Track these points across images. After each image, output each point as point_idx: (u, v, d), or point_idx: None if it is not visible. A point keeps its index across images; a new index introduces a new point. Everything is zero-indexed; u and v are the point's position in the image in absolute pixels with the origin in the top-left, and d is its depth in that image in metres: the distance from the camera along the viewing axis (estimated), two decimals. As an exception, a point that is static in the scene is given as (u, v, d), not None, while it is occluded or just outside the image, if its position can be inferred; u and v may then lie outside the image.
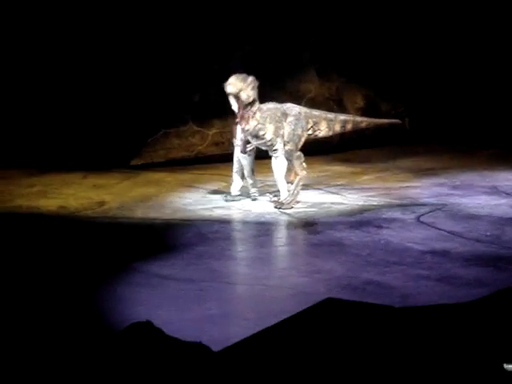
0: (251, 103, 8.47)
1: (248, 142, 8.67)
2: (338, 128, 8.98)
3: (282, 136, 8.57)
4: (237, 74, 8.47)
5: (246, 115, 8.47)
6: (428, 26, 12.94)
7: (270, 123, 8.52)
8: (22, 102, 11.67)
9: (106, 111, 11.51)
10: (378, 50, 12.75)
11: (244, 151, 8.74)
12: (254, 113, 8.47)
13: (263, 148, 8.75)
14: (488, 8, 12.90)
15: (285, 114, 8.62)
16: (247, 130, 8.53)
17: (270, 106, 8.65)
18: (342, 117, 9.16)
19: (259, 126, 8.49)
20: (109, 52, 11.55)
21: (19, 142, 11.49)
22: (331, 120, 8.93)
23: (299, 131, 8.62)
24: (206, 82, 11.38)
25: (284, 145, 8.58)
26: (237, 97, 8.43)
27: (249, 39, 11.76)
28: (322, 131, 8.89)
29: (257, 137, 8.56)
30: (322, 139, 9.15)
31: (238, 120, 8.59)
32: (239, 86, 8.37)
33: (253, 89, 8.43)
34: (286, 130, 8.58)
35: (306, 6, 12.20)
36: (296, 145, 8.60)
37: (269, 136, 8.53)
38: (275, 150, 8.62)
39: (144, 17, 11.54)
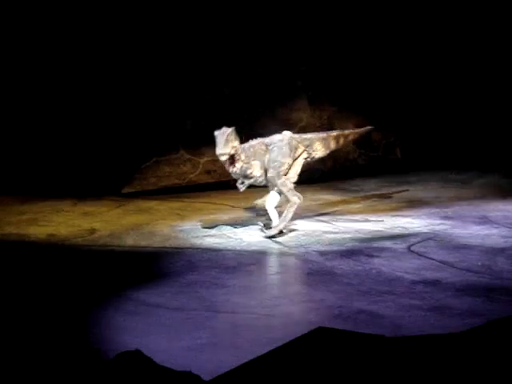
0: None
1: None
2: (333, 145, 9.00)
3: None
4: (220, 137, 8.19)
5: (232, 159, 8.38)
6: (417, 57, 13.03)
7: (255, 160, 8.50)
8: (13, 129, 11.67)
9: (97, 139, 11.51)
10: (369, 80, 12.82)
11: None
12: (239, 155, 8.41)
13: (258, 184, 8.74)
14: (475, 36, 13.02)
15: (268, 145, 8.59)
16: (235, 172, 8.52)
17: (253, 142, 8.59)
18: (334, 133, 9.17)
19: (245, 165, 8.46)
20: (100, 80, 11.57)
21: (10, 168, 11.48)
22: (325, 139, 8.93)
23: (279, 157, 8.52)
24: (198, 110, 11.41)
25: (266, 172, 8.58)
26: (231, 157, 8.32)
27: (241, 68, 11.81)
28: (319, 151, 8.88)
29: (246, 176, 8.55)
30: (316, 166, 9.21)
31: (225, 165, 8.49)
32: (230, 147, 8.21)
33: (235, 139, 8.28)
34: (267, 157, 8.56)
35: (298, 34, 12.28)
36: (277, 171, 8.51)
37: (257, 173, 8.54)
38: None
39: (138, 45, 11.58)
